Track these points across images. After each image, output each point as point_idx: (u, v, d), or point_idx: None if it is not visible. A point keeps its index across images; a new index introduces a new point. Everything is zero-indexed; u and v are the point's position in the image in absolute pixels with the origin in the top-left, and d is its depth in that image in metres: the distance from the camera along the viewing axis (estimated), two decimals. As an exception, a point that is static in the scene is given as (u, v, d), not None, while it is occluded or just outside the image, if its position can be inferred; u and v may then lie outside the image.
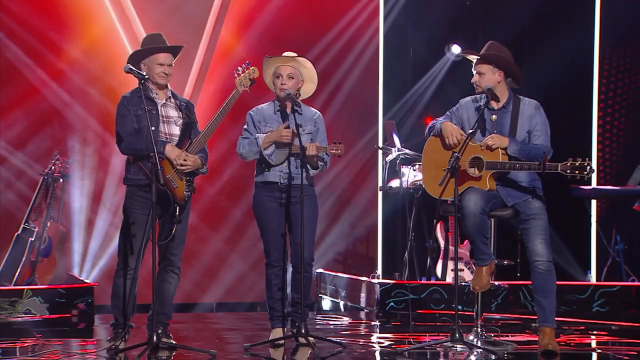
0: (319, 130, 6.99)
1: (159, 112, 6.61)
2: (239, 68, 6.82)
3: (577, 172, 6.26)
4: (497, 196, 6.61)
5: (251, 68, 6.82)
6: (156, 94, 6.65)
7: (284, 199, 6.87)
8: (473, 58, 6.74)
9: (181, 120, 6.69)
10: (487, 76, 6.64)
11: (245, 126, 6.96)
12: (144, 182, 6.52)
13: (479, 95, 6.74)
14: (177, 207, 6.54)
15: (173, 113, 6.68)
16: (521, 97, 6.70)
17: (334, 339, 7.02)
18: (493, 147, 6.50)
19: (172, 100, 6.73)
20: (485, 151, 6.53)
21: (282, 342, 6.85)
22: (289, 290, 7.18)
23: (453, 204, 6.46)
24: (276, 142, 6.80)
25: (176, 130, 6.66)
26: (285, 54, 6.98)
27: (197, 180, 6.76)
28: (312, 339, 6.64)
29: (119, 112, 6.61)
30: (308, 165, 6.75)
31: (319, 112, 7.04)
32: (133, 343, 6.51)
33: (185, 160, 6.55)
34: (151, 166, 6.26)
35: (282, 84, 6.86)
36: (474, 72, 6.70)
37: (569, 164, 6.29)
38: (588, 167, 6.25)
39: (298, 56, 6.94)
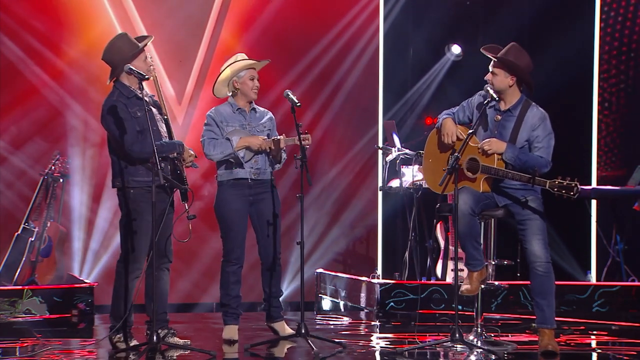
0: (273, 127, 7.19)
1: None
2: None
3: (563, 191, 6.23)
4: (490, 197, 6.61)
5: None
6: (139, 94, 6.56)
7: (251, 195, 6.98)
8: (490, 56, 6.73)
9: (162, 117, 6.71)
10: (499, 78, 6.62)
11: (208, 127, 7.04)
12: (156, 182, 6.50)
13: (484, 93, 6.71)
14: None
15: (156, 111, 6.67)
16: (533, 104, 6.64)
17: (334, 339, 7.03)
18: (489, 153, 6.49)
19: (150, 98, 6.69)
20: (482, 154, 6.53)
21: (280, 341, 6.89)
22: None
23: (446, 203, 6.46)
24: (250, 146, 6.94)
25: (164, 127, 6.69)
26: (240, 56, 7.10)
27: (197, 180, 6.76)
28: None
29: (118, 115, 6.44)
30: (273, 160, 7.01)
31: (268, 110, 7.26)
32: (133, 343, 6.50)
33: (189, 156, 6.69)
34: (152, 166, 6.26)
35: (256, 86, 7.06)
36: (490, 69, 6.69)
37: (557, 182, 6.25)
38: (575, 188, 6.20)
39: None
